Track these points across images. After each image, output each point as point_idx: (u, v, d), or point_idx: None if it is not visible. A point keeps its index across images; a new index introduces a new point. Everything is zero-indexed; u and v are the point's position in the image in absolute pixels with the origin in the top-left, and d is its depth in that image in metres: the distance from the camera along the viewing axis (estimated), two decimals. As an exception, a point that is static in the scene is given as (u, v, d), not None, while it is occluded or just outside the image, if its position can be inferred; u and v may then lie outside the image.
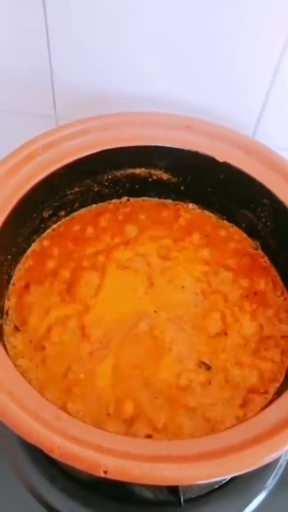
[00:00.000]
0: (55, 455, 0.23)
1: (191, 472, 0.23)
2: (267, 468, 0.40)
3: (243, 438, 0.25)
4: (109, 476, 0.23)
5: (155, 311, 0.37)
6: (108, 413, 0.30)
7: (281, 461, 0.40)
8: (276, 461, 0.40)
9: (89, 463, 0.23)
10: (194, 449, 0.24)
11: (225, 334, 0.36)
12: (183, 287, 0.38)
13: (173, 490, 0.36)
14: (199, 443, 0.25)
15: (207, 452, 0.24)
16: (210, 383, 0.32)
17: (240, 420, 0.29)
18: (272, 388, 0.32)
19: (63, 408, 0.29)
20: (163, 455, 0.24)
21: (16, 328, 0.35)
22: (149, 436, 0.29)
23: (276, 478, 0.40)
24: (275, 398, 0.29)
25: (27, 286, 0.38)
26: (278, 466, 0.40)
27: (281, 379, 0.33)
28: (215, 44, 0.41)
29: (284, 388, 0.30)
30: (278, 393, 0.32)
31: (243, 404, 0.31)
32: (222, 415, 0.31)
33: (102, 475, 0.23)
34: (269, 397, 0.32)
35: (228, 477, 0.24)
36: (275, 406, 0.27)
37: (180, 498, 0.35)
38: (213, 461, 0.23)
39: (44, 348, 0.34)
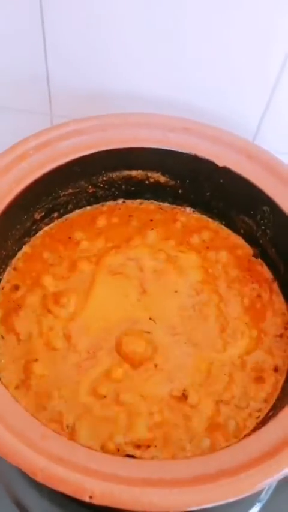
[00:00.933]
0: (39, 479, 0.22)
1: (182, 499, 0.22)
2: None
3: (237, 460, 0.24)
4: (95, 502, 0.22)
5: (150, 318, 0.36)
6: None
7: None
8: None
9: (74, 488, 0.22)
10: (186, 471, 0.23)
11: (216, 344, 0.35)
12: (176, 291, 0.37)
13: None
14: (191, 464, 0.24)
15: (200, 476, 0.23)
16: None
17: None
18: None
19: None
20: (153, 478, 0.23)
21: (1, 337, 0.33)
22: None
23: (270, 492, 0.39)
24: (270, 417, 0.28)
25: (16, 289, 0.37)
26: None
27: (276, 396, 0.32)
28: (216, 46, 0.39)
29: (279, 407, 0.29)
30: (273, 409, 0.31)
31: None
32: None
33: (87, 500, 0.22)
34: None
35: (224, 503, 0.22)
36: (271, 425, 0.26)
37: None
38: (206, 486, 0.22)
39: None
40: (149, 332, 0.35)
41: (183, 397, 0.31)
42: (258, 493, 0.39)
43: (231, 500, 0.22)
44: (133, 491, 0.22)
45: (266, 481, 0.23)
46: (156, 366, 0.33)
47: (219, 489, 0.22)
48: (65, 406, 0.30)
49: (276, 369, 0.34)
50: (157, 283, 0.38)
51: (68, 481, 0.22)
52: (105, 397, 0.31)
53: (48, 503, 0.37)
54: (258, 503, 0.38)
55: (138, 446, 0.28)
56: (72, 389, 0.31)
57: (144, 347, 0.34)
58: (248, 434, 0.26)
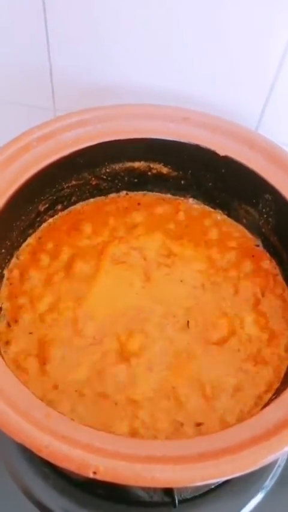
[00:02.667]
0: (43, 455, 0.23)
1: (185, 474, 0.22)
2: (265, 468, 0.39)
3: (240, 439, 0.24)
4: (98, 477, 0.22)
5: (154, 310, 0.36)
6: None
7: (279, 461, 0.40)
8: (274, 461, 0.39)
9: (78, 464, 0.22)
10: (189, 449, 0.24)
11: (226, 336, 0.35)
12: (181, 281, 0.38)
13: (168, 490, 0.35)
14: (194, 443, 0.24)
15: (203, 453, 0.23)
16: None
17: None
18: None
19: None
20: (156, 455, 0.23)
21: (8, 325, 0.34)
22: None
23: (275, 479, 0.39)
24: (274, 398, 0.29)
25: (21, 281, 0.38)
26: (277, 466, 0.39)
27: (280, 379, 0.32)
28: (218, 35, 0.40)
29: (283, 388, 0.29)
30: (277, 393, 0.31)
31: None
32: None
33: (91, 476, 0.22)
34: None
35: (226, 479, 0.22)
36: (273, 406, 0.26)
37: (174, 499, 0.35)
38: (209, 462, 0.23)
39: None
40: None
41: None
42: (263, 480, 0.39)
43: (235, 475, 0.23)
44: (136, 467, 0.22)
45: (269, 457, 0.23)
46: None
47: (223, 465, 0.23)
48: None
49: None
50: (161, 271, 0.38)
51: (71, 458, 0.22)
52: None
53: (55, 491, 0.37)
54: (262, 490, 0.38)
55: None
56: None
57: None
58: (251, 415, 0.26)
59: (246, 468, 0.23)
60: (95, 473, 0.22)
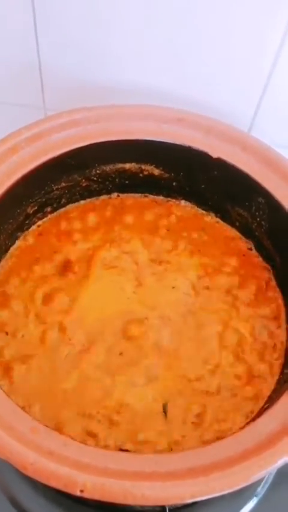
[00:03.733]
0: (28, 473, 0.22)
1: (175, 491, 0.22)
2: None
3: (231, 453, 0.24)
4: (86, 495, 0.21)
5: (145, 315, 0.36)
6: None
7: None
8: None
9: (65, 481, 0.21)
10: (179, 464, 0.23)
11: (212, 339, 0.34)
12: (173, 287, 0.37)
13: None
14: (184, 457, 0.24)
15: (193, 468, 0.23)
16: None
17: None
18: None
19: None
20: (146, 471, 0.22)
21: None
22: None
23: (267, 486, 0.39)
24: (266, 408, 0.28)
25: (9, 284, 0.37)
26: (269, 474, 0.39)
27: (272, 387, 0.32)
28: (211, 37, 0.39)
29: (275, 398, 0.28)
30: (269, 402, 0.30)
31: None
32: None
33: (78, 494, 0.21)
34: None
35: (216, 495, 0.22)
36: (266, 417, 0.26)
37: (165, 508, 0.34)
38: (199, 479, 0.22)
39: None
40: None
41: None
42: (255, 487, 0.38)
43: (225, 492, 0.22)
44: (124, 484, 0.21)
45: (260, 473, 0.23)
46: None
47: (214, 482, 0.22)
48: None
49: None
50: (153, 276, 0.38)
51: (58, 475, 0.22)
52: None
53: (44, 500, 0.37)
54: (255, 497, 0.38)
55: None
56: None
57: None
58: (242, 427, 0.26)
59: (237, 485, 0.22)
60: (82, 491, 0.21)
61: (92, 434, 0.27)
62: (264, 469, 0.23)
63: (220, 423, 0.29)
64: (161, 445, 0.28)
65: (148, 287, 0.37)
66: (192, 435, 0.29)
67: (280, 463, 0.23)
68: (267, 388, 0.32)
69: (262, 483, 0.39)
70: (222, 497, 0.36)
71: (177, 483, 0.22)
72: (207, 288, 0.37)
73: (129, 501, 0.21)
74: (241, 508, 0.37)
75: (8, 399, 0.25)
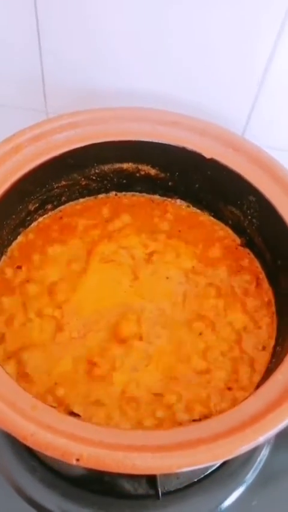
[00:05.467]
0: (28, 443, 0.24)
1: (163, 462, 0.23)
2: (246, 463, 0.40)
3: (217, 430, 0.25)
4: (81, 464, 0.23)
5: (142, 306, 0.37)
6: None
7: (260, 456, 0.41)
8: (255, 456, 0.41)
9: (62, 451, 0.23)
10: (168, 439, 0.25)
11: (206, 327, 0.36)
12: (167, 278, 0.39)
13: (152, 482, 0.36)
14: (173, 433, 0.25)
15: (180, 443, 0.24)
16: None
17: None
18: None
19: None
20: (137, 445, 0.24)
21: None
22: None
23: (256, 473, 0.40)
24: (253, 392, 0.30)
25: (12, 278, 0.39)
26: (258, 461, 0.41)
27: (262, 374, 0.34)
28: (205, 41, 0.41)
29: (262, 381, 0.30)
30: (257, 387, 0.32)
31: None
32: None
33: (74, 463, 0.23)
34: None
35: (202, 467, 0.24)
36: (251, 399, 0.28)
37: (158, 491, 0.36)
38: (186, 451, 0.24)
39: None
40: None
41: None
42: (244, 474, 0.40)
43: (210, 463, 0.24)
44: (117, 455, 0.23)
45: (243, 447, 0.24)
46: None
47: (200, 454, 0.24)
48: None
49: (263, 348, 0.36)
50: (148, 269, 0.39)
51: (55, 446, 0.23)
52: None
53: (41, 484, 0.38)
54: (244, 483, 0.39)
55: None
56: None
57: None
58: (229, 409, 0.28)
59: (221, 457, 0.24)
60: (78, 460, 0.23)
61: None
62: (247, 444, 0.24)
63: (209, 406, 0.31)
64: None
65: (144, 280, 0.39)
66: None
67: (261, 439, 0.25)
68: (256, 377, 0.34)
69: (251, 470, 0.40)
70: (213, 483, 0.39)
71: (166, 455, 0.24)
72: (200, 277, 0.39)
73: (121, 470, 0.23)
74: (231, 493, 0.39)
75: (10, 379, 0.27)
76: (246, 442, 0.24)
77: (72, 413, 0.29)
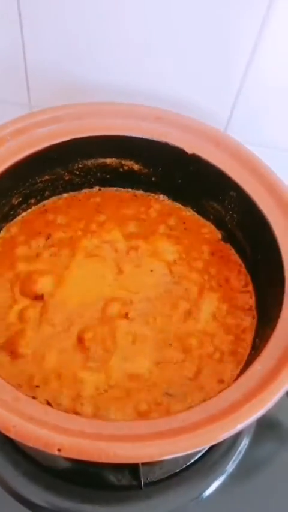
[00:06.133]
0: (11, 435, 0.24)
1: (145, 451, 0.24)
2: (227, 453, 0.41)
3: (197, 418, 0.26)
4: (63, 454, 0.23)
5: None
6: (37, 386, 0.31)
7: (240, 447, 0.42)
8: (236, 447, 0.41)
9: (44, 442, 0.24)
10: (149, 429, 0.25)
11: (190, 316, 0.37)
12: (151, 270, 0.39)
13: (135, 473, 0.37)
14: (154, 424, 0.26)
15: (162, 432, 0.25)
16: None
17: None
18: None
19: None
20: (118, 434, 0.25)
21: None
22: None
23: (236, 463, 0.41)
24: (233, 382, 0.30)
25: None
26: (238, 452, 0.41)
27: (240, 366, 0.35)
28: (188, 38, 0.41)
29: (242, 372, 0.31)
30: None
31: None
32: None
33: (56, 453, 0.23)
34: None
35: (183, 454, 0.24)
36: (232, 388, 0.28)
37: (141, 481, 0.36)
38: (166, 440, 0.24)
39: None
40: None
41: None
42: (225, 465, 0.41)
43: (190, 451, 0.24)
44: (99, 444, 0.24)
45: (222, 435, 0.25)
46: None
47: (180, 442, 0.24)
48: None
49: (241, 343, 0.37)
50: (132, 263, 0.40)
51: (38, 437, 0.24)
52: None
53: (24, 478, 0.38)
54: (224, 473, 0.40)
55: None
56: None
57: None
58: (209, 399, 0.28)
59: (201, 445, 0.24)
60: (59, 450, 0.23)
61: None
62: (226, 432, 0.25)
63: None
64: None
65: (128, 273, 0.39)
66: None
67: (240, 427, 0.26)
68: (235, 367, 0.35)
69: (231, 461, 0.41)
70: (194, 473, 0.39)
71: (147, 444, 0.24)
72: (181, 274, 0.40)
73: (103, 459, 0.23)
74: (212, 482, 0.40)
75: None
76: (225, 430, 0.25)
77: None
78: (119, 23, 0.41)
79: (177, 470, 0.39)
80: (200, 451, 0.40)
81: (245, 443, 0.42)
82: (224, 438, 0.25)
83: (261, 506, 0.39)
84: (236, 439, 0.42)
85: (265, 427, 0.43)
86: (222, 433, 0.25)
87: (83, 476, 0.38)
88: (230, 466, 0.40)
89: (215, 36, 0.40)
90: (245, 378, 0.29)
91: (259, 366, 0.30)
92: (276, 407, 0.41)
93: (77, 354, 0.33)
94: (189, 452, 0.24)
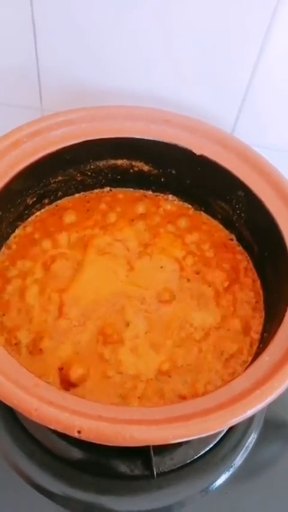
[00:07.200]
0: (33, 417, 0.25)
1: (159, 433, 0.25)
2: (235, 448, 0.42)
3: (208, 405, 0.27)
4: (82, 436, 0.25)
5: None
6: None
7: (247, 442, 0.43)
8: (243, 442, 0.42)
9: (64, 424, 0.25)
10: (164, 414, 0.26)
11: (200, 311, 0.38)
12: (161, 267, 0.41)
13: (147, 463, 0.38)
14: (169, 409, 0.27)
15: (175, 417, 0.26)
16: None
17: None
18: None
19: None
20: (134, 419, 0.26)
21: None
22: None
23: (244, 457, 0.42)
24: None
25: (8, 269, 0.40)
26: (246, 447, 0.42)
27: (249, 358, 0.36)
28: (194, 43, 0.42)
29: (251, 362, 0.32)
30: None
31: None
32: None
33: (76, 435, 0.25)
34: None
35: (195, 437, 0.25)
36: (241, 378, 0.30)
37: (153, 471, 0.38)
38: (180, 424, 0.25)
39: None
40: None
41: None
42: (233, 458, 0.42)
43: (202, 435, 0.25)
44: (115, 427, 0.25)
45: (233, 420, 0.26)
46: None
47: (193, 426, 0.26)
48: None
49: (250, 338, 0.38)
50: (143, 260, 0.41)
51: (58, 419, 0.25)
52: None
53: (40, 467, 0.39)
54: (233, 466, 0.41)
55: None
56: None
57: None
58: (219, 387, 0.29)
59: (213, 429, 0.26)
60: (79, 432, 0.25)
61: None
62: (237, 417, 0.26)
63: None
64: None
65: (139, 270, 0.40)
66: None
67: (249, 413, 0.27)
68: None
69: (239, 454, 0.42)
70: (204, 464, 0.40)
71: (161, 427, 0.25)
72: (193, 267, 0.41)
73: (120, 442, 0.25)
74: (221, 475, 0.41)
75: (13, 360, 0.28)
76: (235, 416, 0.26)
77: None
78: (128, 30, 0.42)
79: (188, 462, 0.40)
80: (209, 444, 0.41)
81: (253, 437, 0.43)
82: (234, 423, 0.26)
83: (267, 500, 0.40)
84: (244, 434, 0.43)
85: (273, 425, 0.44)
86: (232, 418, 0.26)
87: (97, 466, 0.39)
88: (238, 460, 0.41)
89: (221, 41, 0.42)
90: (253, 368, 0.30)
91: (267, 357, 0.31)
92: (283, 407, 0.43)
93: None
94: (201, 435, 0.25)
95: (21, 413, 0.25)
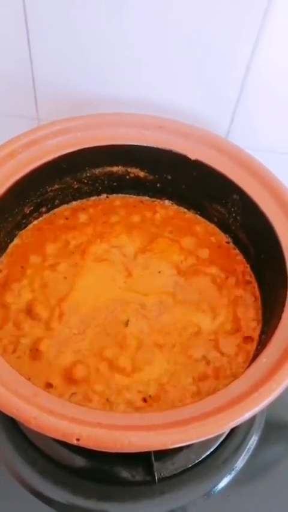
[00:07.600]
0: (31, 426, 0.25)
1: (158, 439, 0.25)
2: (236, 451, 0.42)
3: (207, 409, 0.27)
4: (81, 444, 0.25)
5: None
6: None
7: (249, 445, 0.43)
8: (244, 444, 0.42)
9: (63, 432, 0.25)
10: (162, 419, 0.27)
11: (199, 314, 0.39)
12: (159, 272, 0.41)
13: (148, 469, 0.38)
14: (166, 415, 0.27)
15: (174, 422, 0.26)
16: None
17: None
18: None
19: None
20: (133, 425, 0.26)
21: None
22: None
23: (245, 460, 0.42)
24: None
25: (7, 279, 0.40)
26: (247, 449, 0.42)
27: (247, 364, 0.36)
28: (188, 50, 0.43)
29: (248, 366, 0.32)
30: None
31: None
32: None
33: (75, 442, 0.25)
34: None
35: (194, 442, 0.25)
36: (238, 381, 0.30)
37: (155, 476, 0.38)
38: (178, 429, 0.26)
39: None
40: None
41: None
42: (234, 462, 0.42)
43: (201, 439, 0.26)
44: (114, 434, 0.25)
45: (231, 423, 0.26)
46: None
47: (192, 430, 0.26)
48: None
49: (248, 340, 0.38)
50: (140, 266, 0.41)
51: (57, 427, 0.25)
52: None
53: (42, 475, 0.40)
54: (234, 470, 0.41)
55: None
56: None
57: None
58: (217, 390, 0.30)
59: (212, 433, 0.26)
60: (78, 439, 0.25)
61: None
62: (235, 420, 0.26)
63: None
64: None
65: (137, 276, 0.41)
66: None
67: (247, 415, 0.27)
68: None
69: (240, 458, 0.42)
70: (205, 469, 0.40)
71: (160, 432, 0.25)
72: (190, 270, 0.41)
73: (119, 448, 0.25)
74: (222, 478, 0.41)
75: (12, 369, 0.28)
76: (234, 419, 0.26)
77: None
78: (123, 37, 0.43)
79: (189, 466, 0.40)
80: (210, 447, 0.41)
81: (254, 439, 0.43)
82: (233, 426, 0.26)
83: (270, 502, 0.40)
84: (245, 436, 0.43)
85: (274, 426, 0.44)
86: (230, 421, 0.26)
87: (98, 473, 0.39)
88: (240, 463, 0.41)
89: (213, 47, 0.42)
90: (251, 371, 0.30)
91: (264, 359, 0.31)
92: (284, 409, 0.43)
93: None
94: (200, 439, 0.26)
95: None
